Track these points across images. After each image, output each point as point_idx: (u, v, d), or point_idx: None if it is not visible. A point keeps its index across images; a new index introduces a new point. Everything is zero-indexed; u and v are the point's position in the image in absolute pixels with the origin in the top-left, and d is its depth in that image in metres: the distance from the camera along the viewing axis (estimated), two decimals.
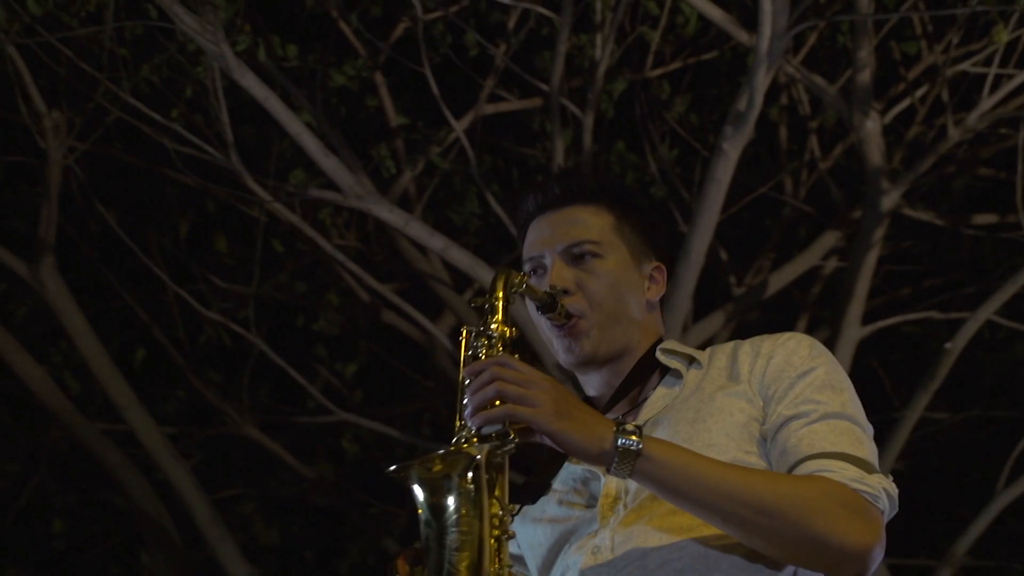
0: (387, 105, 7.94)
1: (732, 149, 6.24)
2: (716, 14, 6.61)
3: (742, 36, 6.57)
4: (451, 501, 2.28)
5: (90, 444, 7.17)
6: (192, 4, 6.15)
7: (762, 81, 6.06)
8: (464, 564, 2.27)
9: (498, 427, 2.33)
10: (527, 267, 2.72)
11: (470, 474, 2.29)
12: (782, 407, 2.50)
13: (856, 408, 2.53)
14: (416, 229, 6.50)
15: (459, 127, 7.24)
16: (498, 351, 2.45)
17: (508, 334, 2.47)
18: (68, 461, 8.16)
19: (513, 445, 2.32)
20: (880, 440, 7.85)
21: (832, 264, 8.30)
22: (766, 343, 2.61)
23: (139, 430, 7.08)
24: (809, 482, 2.38)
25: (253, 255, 7.67)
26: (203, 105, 6.83)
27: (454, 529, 2.28)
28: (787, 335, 2.62)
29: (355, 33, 7.83)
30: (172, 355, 8.01)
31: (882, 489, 2.40)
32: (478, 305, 2.51)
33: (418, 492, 2.31)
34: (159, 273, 7.38)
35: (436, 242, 6.49)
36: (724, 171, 6.27)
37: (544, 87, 7.12)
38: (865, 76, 6.90)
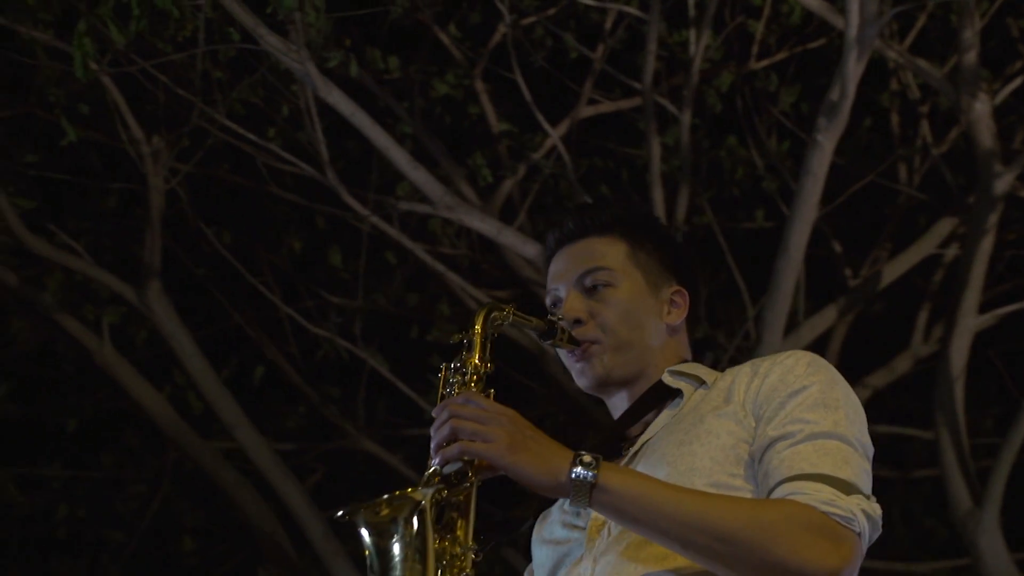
0: (489, 112, 7.91)
1: (827, 140, 6.11)
2: (813, 2, 6.48)
3: (840, 23, 6.41)
4: (395, 546, 2.31)
5: (205, 463, 7.26)
6: (280, 23, 6.19)
7: (853, 69, 5.92)
8: None
9: (458, 465, 2.37)
10: (548, 302, 2.76)
11: (415, 519, 2.31)
12: (770, 427, 2.47)
13: (851, 426, 2.47)
14: (509, 237, 6.47)
15: (556, 133, 7.19)
16: (471, 388, 2.48)
17: (483, 370, 2.51)
18: (196, 479, 8.26)
19: (468, 484, 2.36)
20: (1000, 432, 7.70)
21: (952, 252, 8.07)
22: (766, 362, 2.58)
23: (249, 448, 7.15)
24: (772, 506, 2.35)
25: (366, 268, 7.70)
26: (300, 123, 6.88)
27: (398, 573, 2.30)
28: (788, 353, 2.60)
29: (453, 41, 7.82)
30: (288, 372, 8.07)
31: (859, 510, 2.35)
32: (457, 342, 2.53)
33: (365, 536, 2.33)
34: (265, 292, 7.43)
35: (529, 249, 6.45)
36: (820, 163, 6.15)
37: (638, 86, 7.04)
38: (971, 57, 6.71)
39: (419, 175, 6.37)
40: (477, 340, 2.54)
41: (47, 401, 8.44)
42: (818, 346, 7.86)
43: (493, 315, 2.58)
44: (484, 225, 6.46)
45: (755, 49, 7.87)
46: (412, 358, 8.52)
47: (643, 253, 2.74)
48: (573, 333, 2.67)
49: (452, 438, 2.36)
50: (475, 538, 2.40)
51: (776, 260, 6.30)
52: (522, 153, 7.76)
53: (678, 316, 2.74)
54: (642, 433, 2.65)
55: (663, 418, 2.63)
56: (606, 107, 7.70)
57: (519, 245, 6.49)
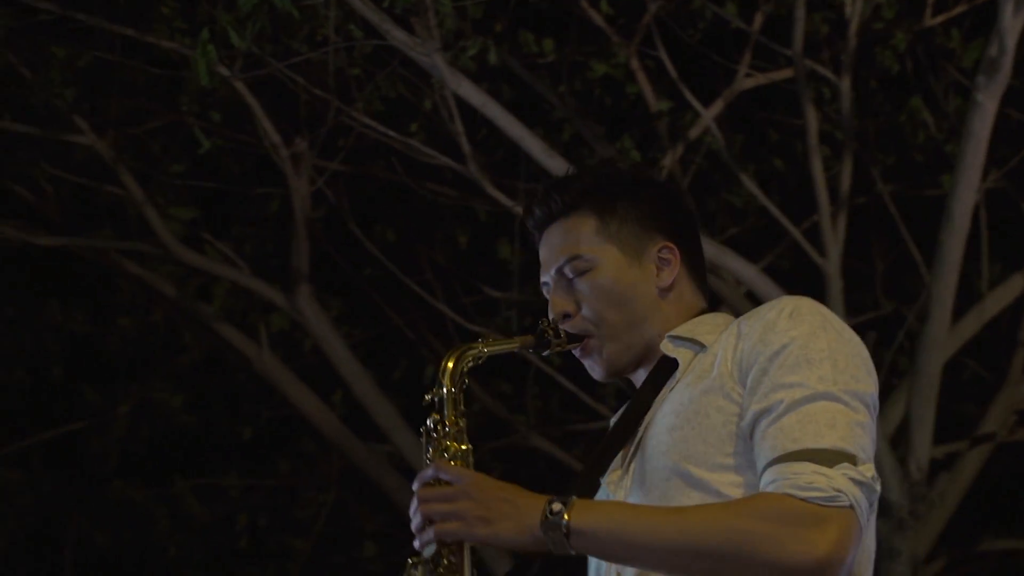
0: (647, 91, 7.63)
1: (988, 100, 5.74)
2: None
3: None
4: None
5: (369, 468, 7.17)
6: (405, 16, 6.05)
7: (1010, 23, 5.55)
8: None
9: (432, 548, 2.35)
10: (545, 292, 2.64)
11: None
12: (754, 400, 2.37)
13: (839, 376, 2.35)
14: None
15: (710, 112, 6.89)
16: (446, 453, 2.43)
17: (454, 429, 2.44)
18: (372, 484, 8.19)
19: (442, 569, 2.35)
20: None
21: None
22: (750, 320, 2.46)
23: (406, 451, 7.02)
24: (747, 507, 2.28)
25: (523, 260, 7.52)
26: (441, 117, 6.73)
27: None
28: (771, 304, 2.46)
29: (606, 20, 7.56)
30: None
31: (846, 482, 2.26)
32: (427, 404, 2.46)
33: None
34: (417, 290, 7.30)
35: None
36: (982, 124, 5.78)
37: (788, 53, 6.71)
38: None
39: (555, 163, 6.14)
40: (448, 396, 2.45)
41: (222, 410, 8.46)
42: (1009, 319, 7.41)
43: (464, 359, 2.48)
44: None
45: (929, 7, 7.43)
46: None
47: (615, 221, 2.57)
48: (566, 328, 2.54)
49: (427, 523, 2.35)
50: None
51: (940, 231, 5.91)
52: (678, 131, 7.46)
53: (670, 274, 2.57)
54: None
55: (660, 397, 2.53)
56: (759, 80, 7.34)
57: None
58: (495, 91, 7.88)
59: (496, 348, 2.52)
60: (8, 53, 6.45)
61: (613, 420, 2.66)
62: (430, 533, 2.33)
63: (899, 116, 7.88)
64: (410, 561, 2.37)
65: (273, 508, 8.52)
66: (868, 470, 2.29)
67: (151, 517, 8.36)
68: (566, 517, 2.28)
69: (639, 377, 2.61)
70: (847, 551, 2.26)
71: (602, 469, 2.55)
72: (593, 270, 2.55)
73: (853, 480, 2.26)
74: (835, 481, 2.25)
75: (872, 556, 2.45)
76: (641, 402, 2.55)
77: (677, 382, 2.50)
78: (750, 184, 6.83)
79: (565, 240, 2.58)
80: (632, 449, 2.51)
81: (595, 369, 2.60)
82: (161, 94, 6.76)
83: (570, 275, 2.56)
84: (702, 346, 2.51)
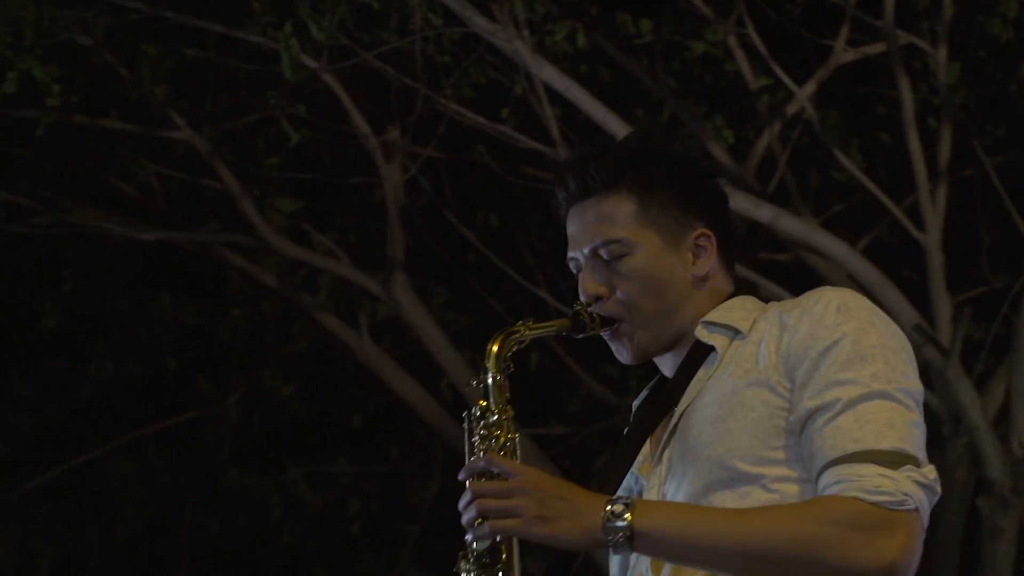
0: (744, 68, 7.55)
1: None
2: None
3: None
4: None
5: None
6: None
7: None
8: None
9: (488, 541, 2.31)
10: (572, 267, 2.58)
11: None
12: (807, 397, 2.32)
13: (892, 374, 2.32)
14: (740, 201, 6.12)
15: (803, 92, 6.80)
16: (494, 442, 2.40)
17: (504, 417, 2.41)
18: None
19: (500, 564, 2.31)
20: None
21: None
22: (795, 311, 2.40)
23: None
24: (815, 511, 2.25)
25: None
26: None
27: None
28: (815, 297, 2.41)
29: None
30: (560, 355, 7.93)
31: (912, 485, 2.24)
32: (473, 388, 2.44)
33: None
34: (514, 275, 7.31)
35: (763, 212, 6.11)
36: None
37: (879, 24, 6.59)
38: None
39: None
40: (491, 382, 2.42)
41: (332, 398, 8.56)
42: None
43: (508, 343, 2.44)
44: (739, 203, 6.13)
45: None
46: None
47: (655, 206, 2.51)
48: (598, 312, 2.50)
49: (482, 518, 2.29)
50: None
51: None
52: (776, 108, 7.36)
53: (706, 262, 2.52)
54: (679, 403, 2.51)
55: (697, 382, 2.47)
56: (855, 55, 7.21)
57: (751, 209, 6.14)
58: (593, 74, 7.90)
59: (537, 332, 2.48)
60: (105, 52, 6.57)
61: (636, 403, 2.64)
62: (485, 528, 2.28)
63: (1009, 85, 7.71)
64: (461, 554, 2.33)
65: (384, 494, 8.59)
66: (931, 472, 2.28)
67: (264, 504, 8.48)
68: (628, 518, 2.25)
69: (665, 361, 2.56)
70: (914, 555, 2.25)
71: (632, 455, 2.52)
72: (630, 255, 2.50)
73: (918, 483, 2.25)
74: (902, 484, 2.23)
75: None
76: (675, 389, 2.50)
77: (715, 370, 2.45)
78: (844, 160, 6.72)
79: (602, 221, 2.51)
80: (667, 437, 2.46)
81: (623, 353, 2.55)
82: (258, 88, 6.84)
83: (606, 257, 2.50)
84: (737, 331, 2.47)
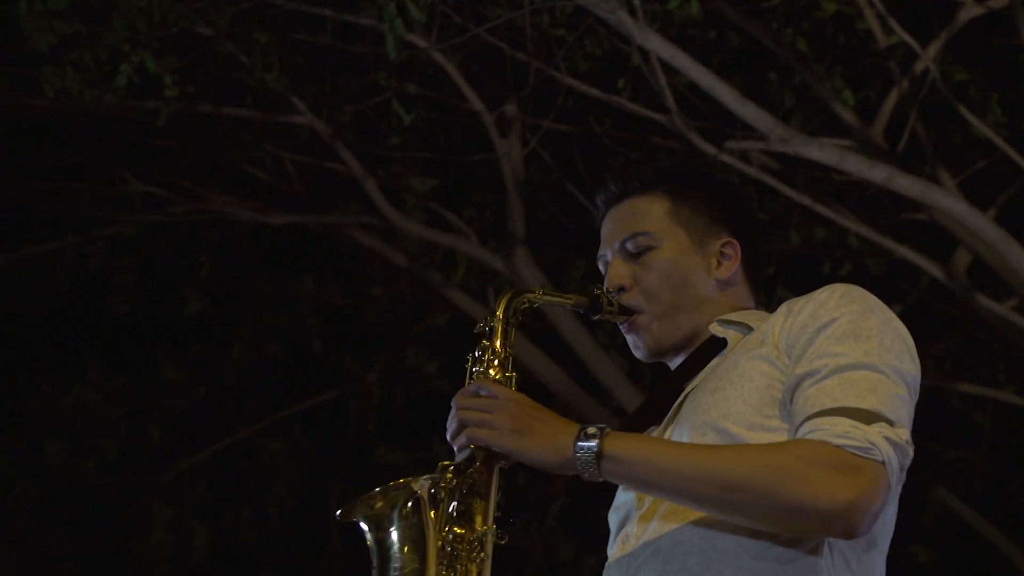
0: (875, 27, 7.38)
1: None
2: None
3: None
4: (392, 537, 2.38)
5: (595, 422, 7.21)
6: None
7: None
8: None
9: (467, 452, 2.41)
10: (601, 267, 2.71)
11: (411, 508, 2.37)
12: (799, 365, 2.39)
13: (885, 354, 2.37)
14: (853, 163, 6.01)
15: (929, 53, 6.63)
16: (487, 374, 2.50)
17: (503, 354, 2.50)
18: None
19: (473, 470, 2.39)
20: None
21: None
22: (801, 300, 2.48)
23: (628, 407, 7.04)
24: (781, 447, 2.32)
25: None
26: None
27: (396, 565, 2.37)
28: (824, 288, 2.48)
29: None
30: None
31: (882, 438, 2.28)
32: (479, 331, 2.53)
33: (365, 530, 2.40)
34: None
35: (878, 173, 5.98)
36: None
37: None
38: None
39: (748, 111, 6.04)
40: (499, 326, 2.52)
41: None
42: None
43: (520, 299, 2.55)
44: (823, 154, 6.04)
45: None
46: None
47: (687, 208, 2.63)
48: (620, 301, 2.60)
49: (461, 428, 2.40)
50: (501, 521, 2.40)
51: None
52: (904, 66, 7.19)
53: (729, 269, 2.62)
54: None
55: (708, 369, 2.55)
56: (980, 10, 6.99)
57: (865, 170, 6.02)
58: (722, 40, 7.81)
59: (550, 299, 2.58)
60: (227, 42, 6.70)
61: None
62: (463, 437, 2.38)
63: None
64: (441, 464, 2.41)
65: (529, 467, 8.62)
66: (904, 433, 2.31)
67: None
68: (599, 440, 2.31)
69: (677, 363, 2.62)
70: (874, 502, 2.27)
71: (636, 431, 2.54)
72: (657, 249, 2.60)
73: (888, 439, 2.28)
74: (870, 435, 2.27)
75: (891, 531, 2.47)
76: (683, 373, 2.57)
77: (725, 356, 2.52)
78: (971, 116, 6.54)
79: (634, 216, 2.63)
80: (671, 415, 2.52)
81: (639, 347, 2.63)
82: (375, 70, 6.91)
83: (632, 250, 2.60)
84: (750, 329, 2.53)
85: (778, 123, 6.05)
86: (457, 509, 2.38)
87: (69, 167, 7.60)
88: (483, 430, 2.37)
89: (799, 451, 2.28)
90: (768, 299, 7.80)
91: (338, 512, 2.40)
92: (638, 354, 2.64)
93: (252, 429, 8.33)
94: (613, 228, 2.65)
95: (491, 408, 2.39)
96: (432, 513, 2.37)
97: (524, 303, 2.55)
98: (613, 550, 2.51)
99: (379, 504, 2.36)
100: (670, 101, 6.51)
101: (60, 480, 8.36)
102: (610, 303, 2.58)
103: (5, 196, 7.60)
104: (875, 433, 2.28)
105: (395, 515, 2.37)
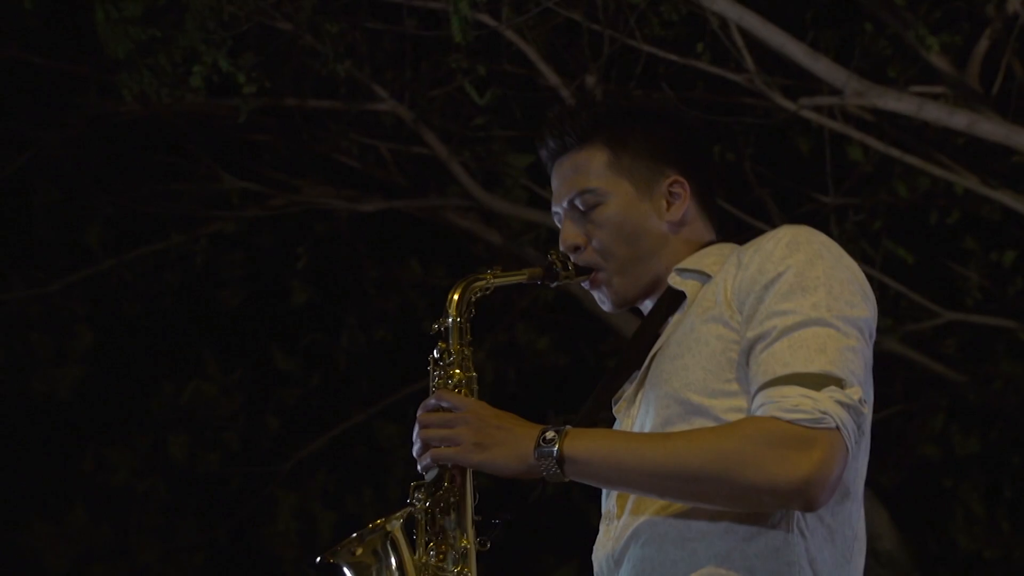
0: None
1: None
2: None
3: None
4: None
5: None
6: None
7: None
8: None
9: (434, 472, 2.42)
10: (556, 221, 2.67)
11: (389, 548, 2.39)
12: (749, 328, 2.38)
13: (834, 302, 2.35)
14: (932, 111, 5.88)
15: None
16: (451, 380, 2.51)
17: (461, 356, 2.53)
18: None
19: (442, 490, 2.41)
20: None
21: None
22: (749, 250, 2.45)
23: None
24: (733, 430, 2.31)
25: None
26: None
27: None
28: (771, 235, 2.45)
29: None
30: None
31: (832, 404, 2.27)
32: (433, 333, 2.55)
33: None
34: (735, 211, 7.20)
35: (959, 120, 5.86)
36: None
37: None
38: None
39: (821, 66, 5.95)
40: (454, 325, 2.55)
41: (587, 346, 8.63)
42: None
43: (471, 288, 2.57)
44: (901, 104, 5.92)
45: None
46: (943, 246, 8.01)
47: (627, 156, 2.58)
48: (576, 261, 2.58)
49: (425, 448, 2.42)
50: (482, 526, 2.44)
51: None
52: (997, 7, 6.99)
53: (680, 208, 2.58)
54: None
55: (670, 327, 2.53)
56: None
57: (944, 118, 5.90)
58: None
59: (503, 279, 2.59)
60: (306, 35, 6.77)
61: None
62: (427, 459, 2.41)
63: None
64: (413, 484, 2.44)
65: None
66: (855, 393, 2.29)
67: None
68: (558, 445, 2.34)
69: (647, 308, 2.62)
70: (831, 472, 2.27)
71: (608, 397, 2.58)
72: (604, 204, 2.57)
73: (839, 403, 2.27)
74: (821, 403, 2.27)
75: (863, 477, 2.44)
76: (647, 333, 2.56)
77: (684, 314, 2.50)
78: None
79: (576, 173, 2.59)
80: (639, 378, 2.52)
81: (604, 302, 2.63)
82: (448, 52, 6.93)
83: (582, 208, 2.58)
84: (708, 276, 2.51)
85: (852, 76, 5.94)
86: (435, 529, 2.42)
87: (166, 169, 7.76)
88: (448, 450, 2.39)
89: (749, 432, 2.28)
90: (875, 253, 7.73)
91: (318, 560, 2.43)
92: (605, 307, 2.64)
93: (367, 413, 8.42)
94: (559, 185, 2.62)
95: (452, 423, 2.40)
96: (408, 547, 2.40)
97: (476, 292, 2.57)
98: (600, 529, 2.53)
99: (359, 551, 2.39)
100: (748, 61, 6.44)
101: (185, 473, 8.56)
102: (565, 267, 2.56)
103: (110, 202, 7.81)
104: (826, 399, 2.26)
105: (374, 559, 2.39)
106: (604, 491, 2.55)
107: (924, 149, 7.16)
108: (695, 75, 7.12)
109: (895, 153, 6.60)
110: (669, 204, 2.57)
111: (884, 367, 8.06)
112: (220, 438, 8.56)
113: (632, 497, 2.44)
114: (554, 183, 2.63)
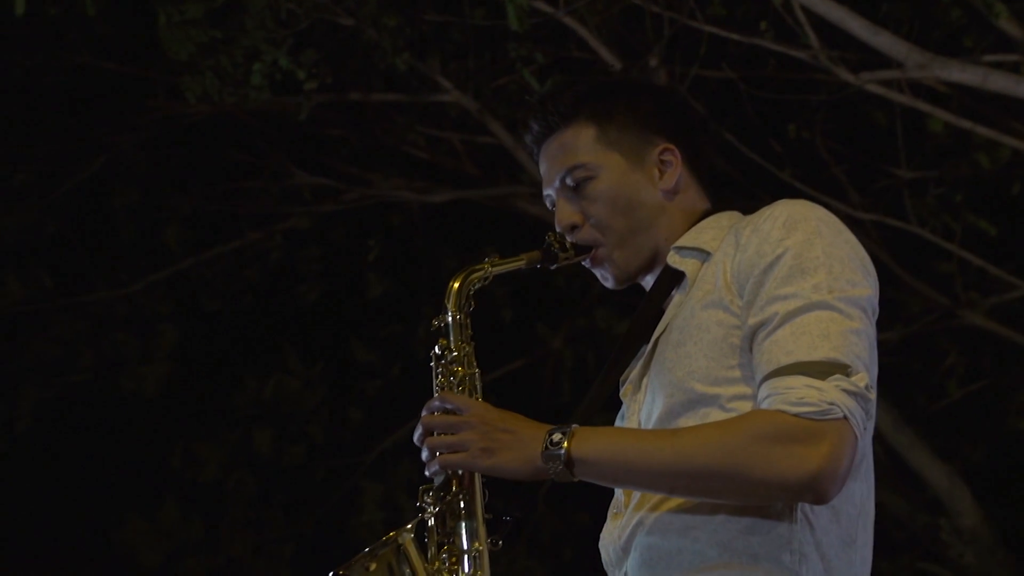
0: None
1: None
2: None
3: None
4: None
5: None
6: None
7: None
8: None
9: (443, 476, 2.43)
10: (548, 206, 2.68)
11: (402, 561, 2.40)
12: (751, 315, 2.37)
13: (835, 282, 2.32)
14: (998, 81, 5.77)
15: None
16: (453, 378, 2.51)
17: (462, 353, 2.52)
18: None
19: (451, 497, 2.41)
20: None
21: None
22: (747, 229, 2.43)
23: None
24: (739, 426, 2.29)
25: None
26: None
27: None
28: (767, 213, 2.42)
29: None
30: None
31: (839, 394, 2.24)
32: (434, 329, 2.55)
33: None
34: (801, 186, 7.12)
35: (972, 75, 5.75)
36: None
37: None
38: None
39: (881, 40, 5.87)
40: (454, 321, 2.53)
41: None
42: None
43: (469, 280, 2.57)
44: (965, 75, 5.82)
45: None
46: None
47: (614, 128, 2.58)
48: (575, 240, 2.58)
49: (433, 455, 2.43)
50: (493, 524, 2.45)
51: None
52: None
53: (672, 176, 2.58)
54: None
55: (672, 308, 2.52)
56: None
57: (1012, 87, 5.78)
58: None
59: (501, 267, 2.58)
60: (368, 29, 6.78)
61: None
62: (435, 465, 2.41)
63: None
64: (422, 488, 2.45)
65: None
66: (861, 379, 2.27)
67: None
68: (565, 446, 2.33)
69: (649, 284, 2.62)
70: (841, 464, 2.25)
71: (616, 377, 2.58)
72: (596, 178, 2.56)
73: (846, 391, 2.25)
74: (827, 394, 2.24)
75: (869, 454, 2.42)
76: (649, 314, 2.56)
77: (686, 295, 2.49)
78: None
79: (564, 151, 2.58)
80: (644, 362, 2.52)
81: (607, 278, 2.62)
82: (506, 40, 6.92)
83: (572, 185, 2.57)
84: (707, 254, 2.50)
85: (913, 48, 5.85)
86: (446, 532, 2.43)
87: (238, 167, 7.83)
88: (454, 456, 2.39)
89: (757, 427, 2.26)
90: (956, 226, 7.59)
91: (330, 574, 2.42)
92: (607, 285, 2.63)
93: None
94: (548, 167, 2.61)
95: (457, 427, 2.40)
96: (420, 557, 2.42)
97: (475, 282, 2.56)
98: (608, 518, 2.54)
99: (372, 566, 2.39)
100: (812, 38, 6.37)
101: (271, 467, 8.64)
102: (563, 247, 2.56)
103: (186, 202, 7.91)
104: (832, 389, 2.24)
105: (387, 573, 2.40)
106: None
107: (1003, 120, 7.03)
108: (762, 54, 7.06)
109: (966, 124, 6.48)
110: (661, 172, 2.57)
111: (970, 342, 7.96)
112: (304, 431, 8.63)
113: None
114: (542, 167, 2.62)
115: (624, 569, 2.46)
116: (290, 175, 7.67)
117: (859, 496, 2.39)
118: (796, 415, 2.24)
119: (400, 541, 2.40)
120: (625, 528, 2.46)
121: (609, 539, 2.51)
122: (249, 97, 6.50)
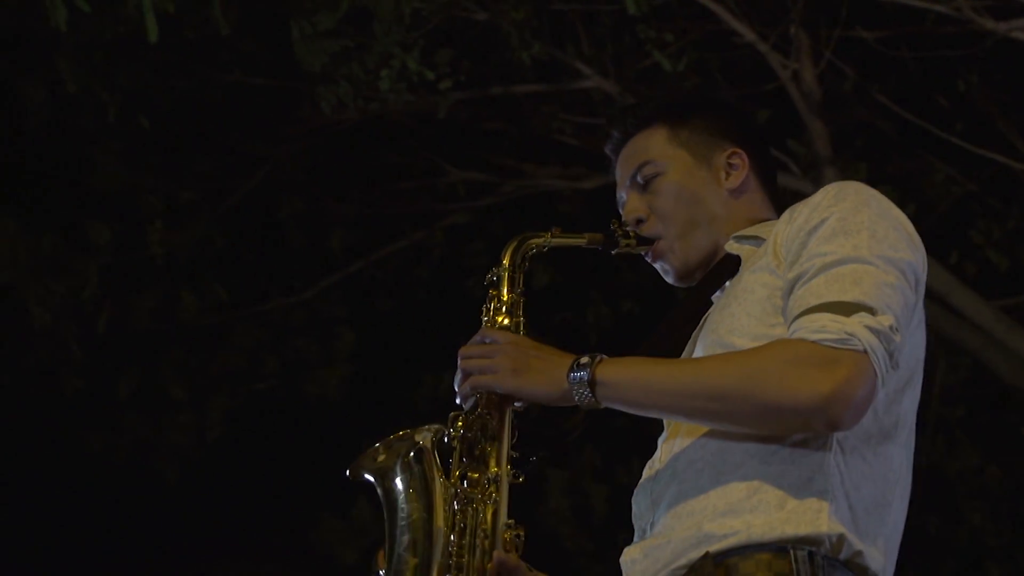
0: None
1: None
2: None
3: None
4: (399, 486, 2.45)
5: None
6: None
7: None
8: (407, 547, 2.42)
9: (472, 401, 2.49)
10: (620, 209, 2.75)
11: (412, 455, 2.45)
12: (791, 270, 2.41)
13: (876, 245, 2.35)
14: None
15: None
16: (493, 323, 2.58)
17: (510, 301, 2.59)
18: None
19: (475, 416, 2.46)
20: None
21: None
22: (801, 203, 2.50)
23: (967, 308, 6.78)
24: (760, 351, 2.33)
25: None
26: None
27: (403, 513, 2.44)
28: (821, 189, 2.48)
29: None
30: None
31: (860, 328, 2.26)
32: (488, 282, 2.61)
33: (373, 482, 2.49)
34: (965, 146, 6.92)
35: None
36: None
37: None
38: None
39: None
40: (505, 275, 2.60)
41: None
42: None
43: (527, 245, 2.62)
44: None
45: None
46: None
47: (686, 130, 2.68)
48: (640, 232, 2.66)
49: (466, 378, 2.50)
50: (518, 461, 2.49)
51: None
52: None
53: (738, 177, 2.66)
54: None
55: (726, 288, 2.59)
56: None
57: None
58: None
59: (563, 241, 2.66)
60: (505, 24, 6.80)
61: None
62: (467, 386, 2.49)
63: None
64: (452, 415, 2.51)
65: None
66: (887, 320, 2.28)
67: None
68: (591, 369, 2.39)
69: None
70: (855, 391, 2.26)
71: (663, 349, 2.59)
72: (663, 174, 2.65)
73: (869, 328, 2.27)
74: (848, 326, 2.27)
75: (910, 424, 2.42)
76: (701, 297, 2.62)
77: (738, 275, 2.54)
78: None
79: (636, 152, 2.69)
80: (694, 336, 2.57)
81: (668, 271, 2.69)
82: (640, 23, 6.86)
83: (642, 181, 2.66)
84: (763, 240, 2.55)
85: None
86: (470, 455, 2.47)
87: (392, 169, 7.93)
88: (485, 376, 2.46)
89: (776, 352, 2.30)
90: None
91: (347, 471, 2.50)
92: (668, 279, 2.69)
93: None
94: (622, 169, 2.70)
95: (491, 353, 2.47)
96: (438, 462, 2.47)
97: (532, 248, 2.62)
98: (643, 474, 2.57)
99: (382, 457, 2.47)
100: None
101: None
102: (626, 235, 2.64)
103: (349, 206, 8.04)
104: (854, 323, 2.27)
105: (398, 466, 2.46)
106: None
107: None
108: (911, 12, 6.86)
109: None
110: (728, 173, 2.65)
111: None
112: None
113: (676, 439, 2.46)
114: (617, 171, 2.73)
115: (652, 518, 2.48)
116: (444, 172, 7.73)
117: (897, 461, 2.40)
118: (815, 341, 2.27)
119: (418, 440, 2.46)
120: (657, 479, 2.48)
121: (642, 493, 2.54)
122: (388, 101, 6.57)
